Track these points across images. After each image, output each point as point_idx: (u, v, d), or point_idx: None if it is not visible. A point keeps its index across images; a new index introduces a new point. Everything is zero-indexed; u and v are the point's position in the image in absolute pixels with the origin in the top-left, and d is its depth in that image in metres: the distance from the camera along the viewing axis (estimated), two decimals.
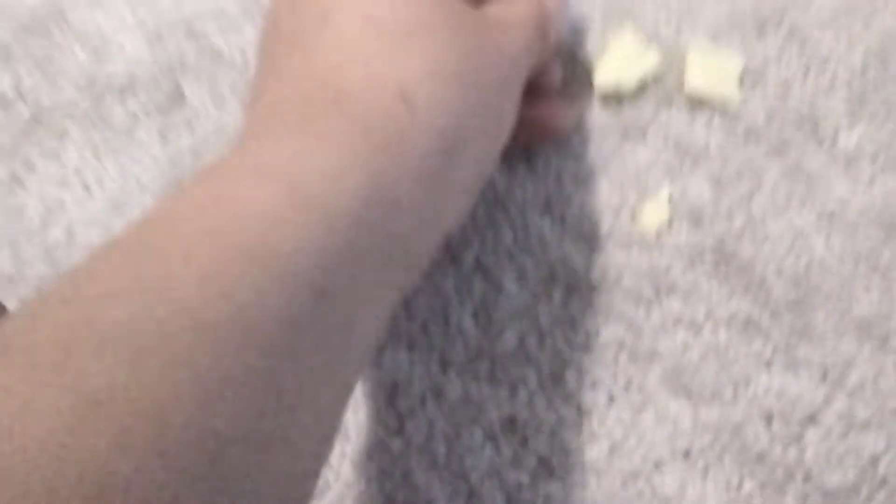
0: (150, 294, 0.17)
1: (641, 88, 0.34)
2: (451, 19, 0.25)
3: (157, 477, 0.16)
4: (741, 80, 0.34)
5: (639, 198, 0.33)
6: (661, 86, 0.34)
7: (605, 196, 0.33)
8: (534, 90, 0.30)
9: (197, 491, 0.16)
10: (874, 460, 0.30)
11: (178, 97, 0.36)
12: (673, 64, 0.34)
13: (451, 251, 0.33)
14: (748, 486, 0.31)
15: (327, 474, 0.31)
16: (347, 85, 0.23)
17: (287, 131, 0.22)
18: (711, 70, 0.34)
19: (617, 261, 0.32)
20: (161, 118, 0.36)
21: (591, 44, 0.35)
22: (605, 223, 0.33)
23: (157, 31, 0.37)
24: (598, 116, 0.34)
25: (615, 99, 0.34)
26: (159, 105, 0.36)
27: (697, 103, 0.34)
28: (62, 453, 0.15)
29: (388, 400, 0.32)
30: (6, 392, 0.16)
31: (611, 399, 0.31)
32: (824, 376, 0.31)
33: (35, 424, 0.15)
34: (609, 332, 0.32)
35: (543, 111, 0.32)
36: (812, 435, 0.31)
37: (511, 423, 0.31)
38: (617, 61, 0.35)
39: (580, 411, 0.31)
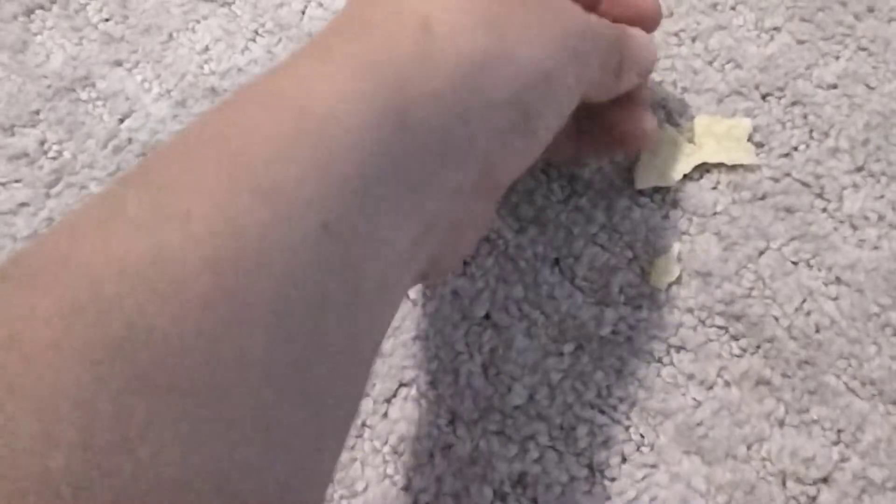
0: (170, 228, 0.18)
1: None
2: None
3: (173, 414, 0.16)
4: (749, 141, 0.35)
5: (648, 256, 0.34)
6: None
7: (615, 253, 0.34)
8: (621, 100, 0.31)
9: (216, 426, 0.17)
10: None
11: None
12: (681, 129, 0.35)
13: (460, 305, 0.33)
14: None
15: None
16: (372, 19, 0.24)
17: (305, 60, 0.23)
18: (721, 134, 0.35)
19: (627, 317, 0.33)
20: None
21: None
22: (616, 280, 0.33)
23: (180, 93, 0.38)
24: (607, 177, 0.35)
25: (625, 162, 0.35)
26: None
27: (703, 165, 0.35)
28: (93, 387, 0.16)
29: (396, 455, 0.32)
30: (41, 321, 0.16)
31: (623, 457, 0.31)
32: (838, 436, 0.31)
33: (64, 355, 0.16)
34: (620, 389, 0.32)
35: (627, 117, 0.32)
36: (826, 496, 0.30)
37: (521, 480, 0.31)
38: (661, 161, 0.35)
39: (592, 469, 0.31)
